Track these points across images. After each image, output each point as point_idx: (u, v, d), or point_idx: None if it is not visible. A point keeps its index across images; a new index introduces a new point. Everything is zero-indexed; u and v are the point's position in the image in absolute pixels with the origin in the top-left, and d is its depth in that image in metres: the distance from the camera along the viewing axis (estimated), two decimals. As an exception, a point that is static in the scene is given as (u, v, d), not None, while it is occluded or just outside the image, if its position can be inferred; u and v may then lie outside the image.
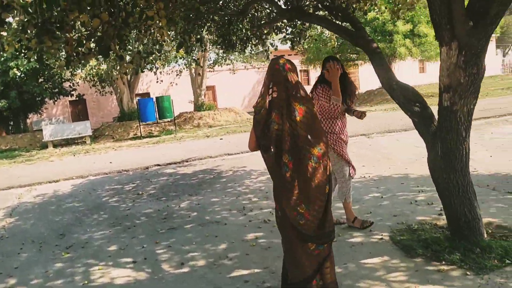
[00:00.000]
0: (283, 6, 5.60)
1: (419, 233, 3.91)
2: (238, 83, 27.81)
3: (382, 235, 3.98)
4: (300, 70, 30.54)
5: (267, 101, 2.57)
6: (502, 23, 21.45)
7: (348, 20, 4.11)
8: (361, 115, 4.06)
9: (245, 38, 6.81)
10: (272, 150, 2.60)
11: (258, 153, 2.79)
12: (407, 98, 3.47)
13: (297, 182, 2.60)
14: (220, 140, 12.33)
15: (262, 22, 5.79)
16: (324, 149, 2.72)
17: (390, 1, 15.74)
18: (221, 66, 22.86)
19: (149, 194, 6.56)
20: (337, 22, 4.15)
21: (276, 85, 2.55)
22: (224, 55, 22.21)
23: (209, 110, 20.22)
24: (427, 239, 3.72)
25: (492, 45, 36.88)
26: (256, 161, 8.15)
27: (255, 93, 29.62)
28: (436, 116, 3.40)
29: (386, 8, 7.92)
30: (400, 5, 5.96)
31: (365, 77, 31.21)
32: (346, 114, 4.18)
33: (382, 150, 7.77)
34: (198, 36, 5.91)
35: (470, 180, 3.40)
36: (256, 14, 5.83)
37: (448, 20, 2.84)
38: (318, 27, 7.01)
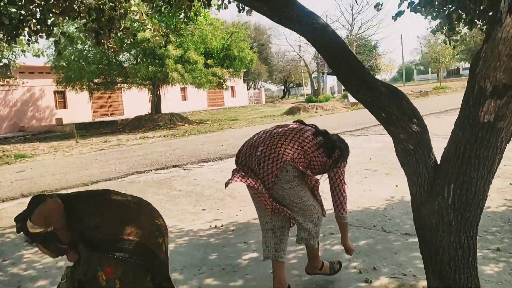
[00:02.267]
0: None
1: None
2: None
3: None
4: (55, 92, 26.18)
5: None
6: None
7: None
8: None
9: (17, 19, 4.23)
10: None
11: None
12: (402, 110, 2.04)
13: None
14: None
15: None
16: None
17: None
18: None
19: None
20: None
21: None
22: None
23: None
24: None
25: (241, 79, 40.83)
26: None
27: (-6, 116, 23.60)
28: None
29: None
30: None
31: (130, 102, 29.43)
32: None
33: (215, 185, 6.17)
34: None
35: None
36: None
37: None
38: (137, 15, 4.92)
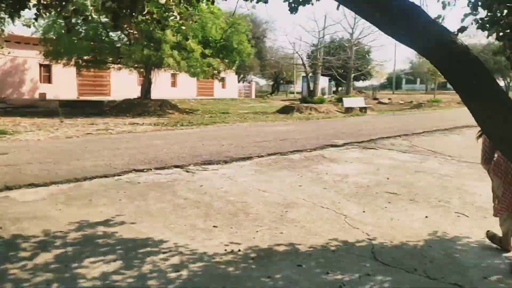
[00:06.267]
0: None
1: None
2: None
3: None
4: (40, 65, 24.93)
5: None
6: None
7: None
8: None
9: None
10: None
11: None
12: None
13: None
14: None
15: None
16: None
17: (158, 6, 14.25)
18: None
19: None
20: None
21: None
22: None
23: None
24: None
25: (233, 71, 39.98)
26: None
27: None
28: None
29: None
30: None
31: (119, 84, 28.34)
32: None
33: (225, 196, 5.54)
34: None
35: None
36: None
37: None
38: None
